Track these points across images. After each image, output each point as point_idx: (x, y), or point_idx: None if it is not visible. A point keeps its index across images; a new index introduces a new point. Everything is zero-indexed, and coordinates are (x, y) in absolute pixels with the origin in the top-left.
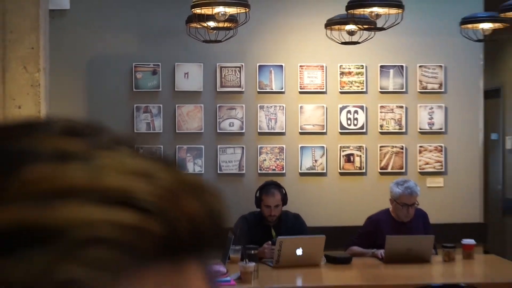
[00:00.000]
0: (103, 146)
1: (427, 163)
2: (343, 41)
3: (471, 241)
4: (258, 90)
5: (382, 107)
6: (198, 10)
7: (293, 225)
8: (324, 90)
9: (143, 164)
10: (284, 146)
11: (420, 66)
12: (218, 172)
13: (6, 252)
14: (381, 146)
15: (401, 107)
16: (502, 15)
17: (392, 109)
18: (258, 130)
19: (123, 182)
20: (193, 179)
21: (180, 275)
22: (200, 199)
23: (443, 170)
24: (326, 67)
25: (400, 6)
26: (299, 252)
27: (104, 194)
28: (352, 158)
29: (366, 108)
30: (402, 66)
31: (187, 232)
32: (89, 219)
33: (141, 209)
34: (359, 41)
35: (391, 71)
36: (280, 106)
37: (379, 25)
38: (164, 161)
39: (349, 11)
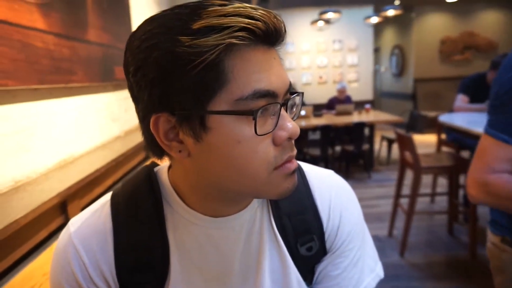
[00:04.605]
0: (236, 3)
1: (351, 77)
2: (318, 29)
3: (368, 106)
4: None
5: (333, 56)
6: None
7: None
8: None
9: (252, 6)
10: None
11: (347, 39)
12: None
13: (202, 36)
14: (333, 73)
15: (342, 56)
16: (381, 14)
17: (337, 56)
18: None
19: (246, 10)
20: (273, 12)
21: (270, 52)
22: (279, 19)
23: (357, 79)
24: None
25: (339, 12)
26: (302, 113)
27: (239, 14)
28: (322, 77)
29: (328, 58)
30: (340, 39)
31: (273, 31)
32: (235, 21)
33: (255, 19)
34: (322, 29)
35: (336, 42)
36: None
37: (331, 22)
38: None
39: (319, 16)
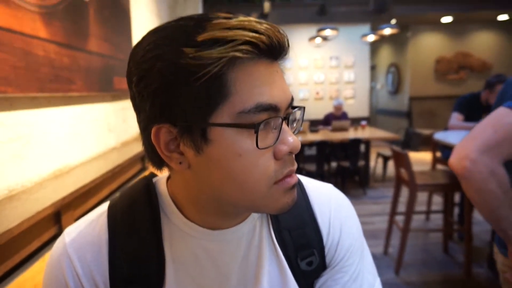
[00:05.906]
0: (241, 16)
1: (347, 94)
2: (315, 45)
3: (364, 122)
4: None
5: (330, 72)
6: None
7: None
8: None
9: (257, 20)
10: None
11: (344, 56)
12: None
13: (207, 48)
14: (330, 89)
15: (339, 72)
16: (377, 32)
17: (334, 73)
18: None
19: (250, 24)
20: (277, 26)
21: (273, 66)
22: (283, 33)
23: (353, 96)
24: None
25: (336, 29)
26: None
27: (244, 27)
28: (319, 93)
29: (325, 74)
30: (337, 56)
31: (277, 45)
32: (240, 34)
33: (259, 32)
34: (320, 46)
35: (333, 59)
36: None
37: (328, 38)
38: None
39: (317, 33)
